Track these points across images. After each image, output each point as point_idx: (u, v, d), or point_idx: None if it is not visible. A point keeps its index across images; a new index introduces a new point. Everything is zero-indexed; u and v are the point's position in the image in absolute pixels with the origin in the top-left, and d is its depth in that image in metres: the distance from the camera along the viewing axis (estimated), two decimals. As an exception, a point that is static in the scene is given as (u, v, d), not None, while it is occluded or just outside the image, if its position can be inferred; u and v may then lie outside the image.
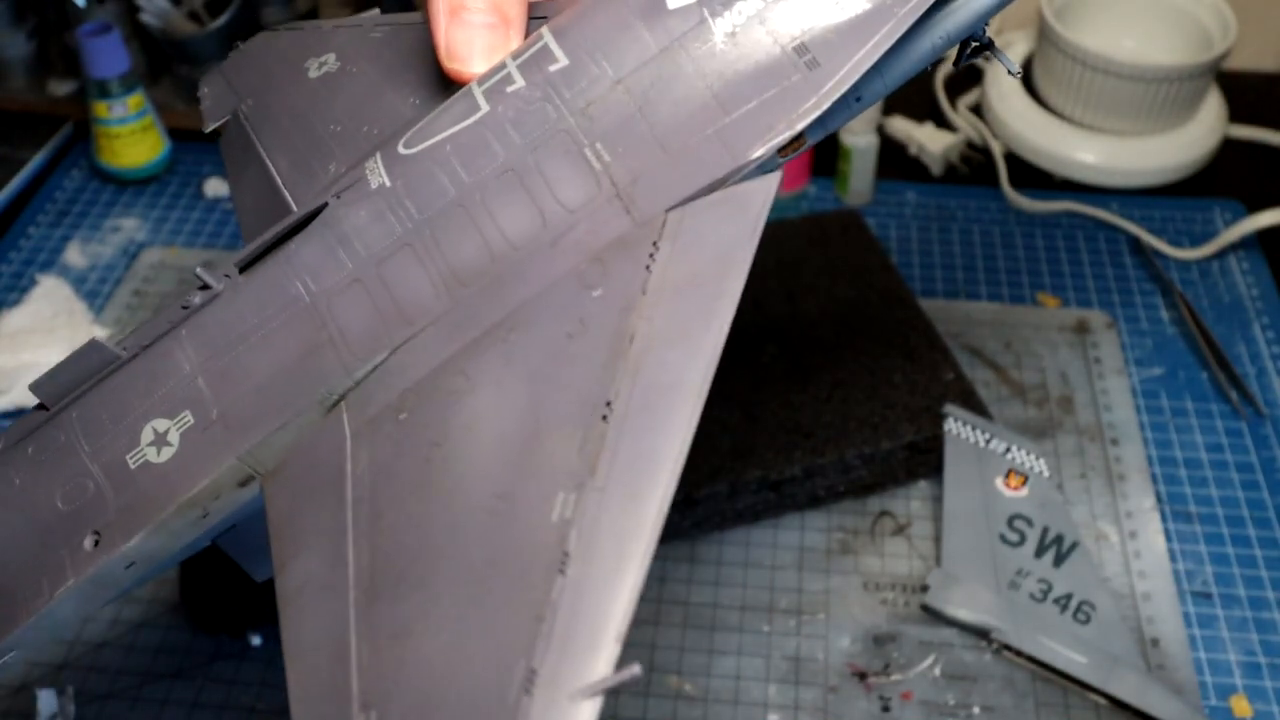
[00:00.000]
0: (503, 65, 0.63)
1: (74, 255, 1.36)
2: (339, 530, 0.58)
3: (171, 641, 0.98)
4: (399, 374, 0.61)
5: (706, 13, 0.60)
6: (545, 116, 0.62)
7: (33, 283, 1.31)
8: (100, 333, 1.25)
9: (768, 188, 0.60)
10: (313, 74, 0.78)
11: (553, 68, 0.62)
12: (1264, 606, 1.02)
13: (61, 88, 1.59)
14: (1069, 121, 1.46)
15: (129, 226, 1.41)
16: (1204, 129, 1.46)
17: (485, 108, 0.62)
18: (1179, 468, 1.13)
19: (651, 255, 0.59)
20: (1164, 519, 1.08)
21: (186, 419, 0.62)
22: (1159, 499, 1.10)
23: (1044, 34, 1.46)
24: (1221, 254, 1.35)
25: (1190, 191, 1.44)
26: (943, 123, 1.52)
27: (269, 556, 0.61)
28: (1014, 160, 1.47)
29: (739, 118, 0.60)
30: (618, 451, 0.53)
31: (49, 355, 1.21)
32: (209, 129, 0.82)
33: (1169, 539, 1.06)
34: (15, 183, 1.46)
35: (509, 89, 0.62)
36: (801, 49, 0.60)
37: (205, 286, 0.64)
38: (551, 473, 0.54)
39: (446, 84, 0.67)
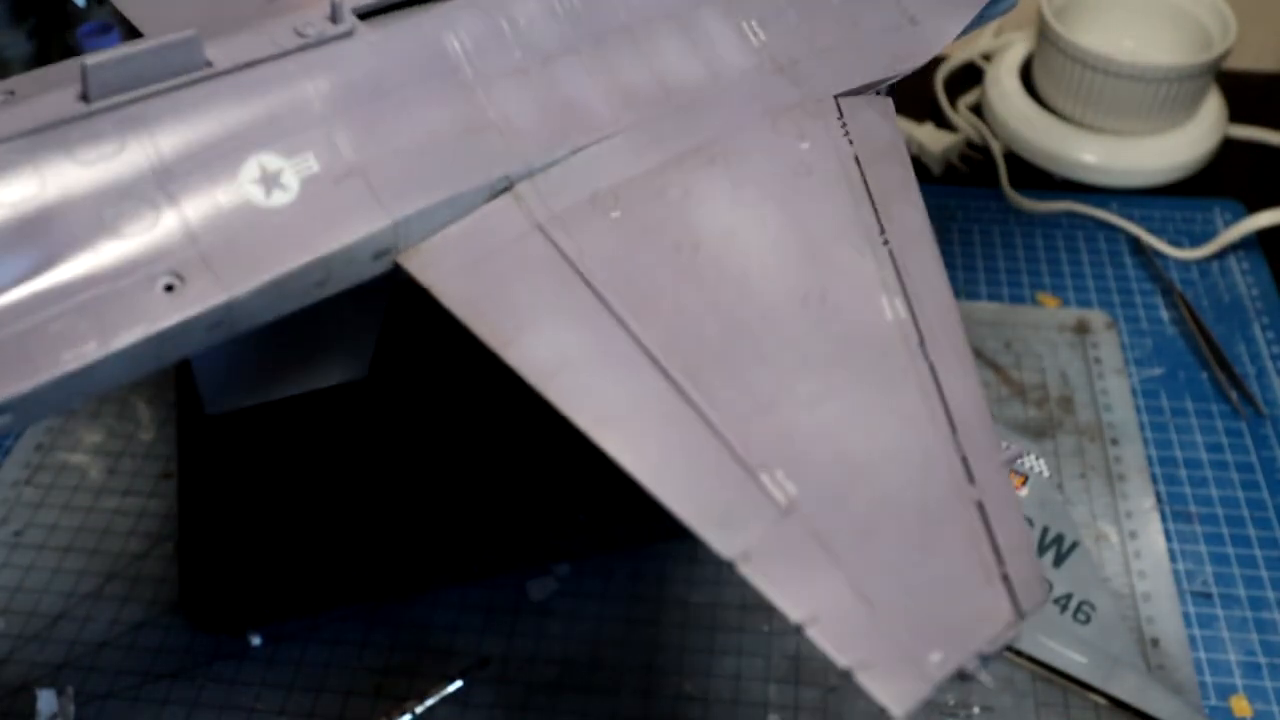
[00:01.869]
0: None
1: (74, 255, 1.36)
2: (591, 309, 0.58)
3: (171, 641, 0.98)
4: (586, 174, 0.62)
5: None
6: None
7: (33, 283, 1.31)
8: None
9: (892, 106, 0.73)
10: None
11: None
12: (1264, 606, 1.01)
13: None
14: (1069, 121, 1.46)
15: (129, 226, 1.40)
16: (1204, 129, 1.46)
17: None
18: (1179, 468, 1.12)
19: (845, 129, 0.69)
20: (1164, 519, 1.08)
21: (309, 163, 0.56)
22: (1159, 499, 1.09)
23: (1044, 34, 1.46)
24: (1222, 254, 1.35)
25: (1190, 191, 1.44)
26: (943, 122, 1.52)
27: (234, 384, 0.59)
28: (1014, 160, 1.47)
29: (866, 39, 0.74)
30: (909, 269, 0.63)
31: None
32: None
33: (1169, 539, 1.06)
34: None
35: None
36: (903, 6, 0.76)
37: (333, 19, 0.58)
38: (861, 279, 0.62)
39: None
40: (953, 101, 1.55)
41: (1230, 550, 1.06)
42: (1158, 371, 1.22)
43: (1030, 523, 1.03)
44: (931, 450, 0.57)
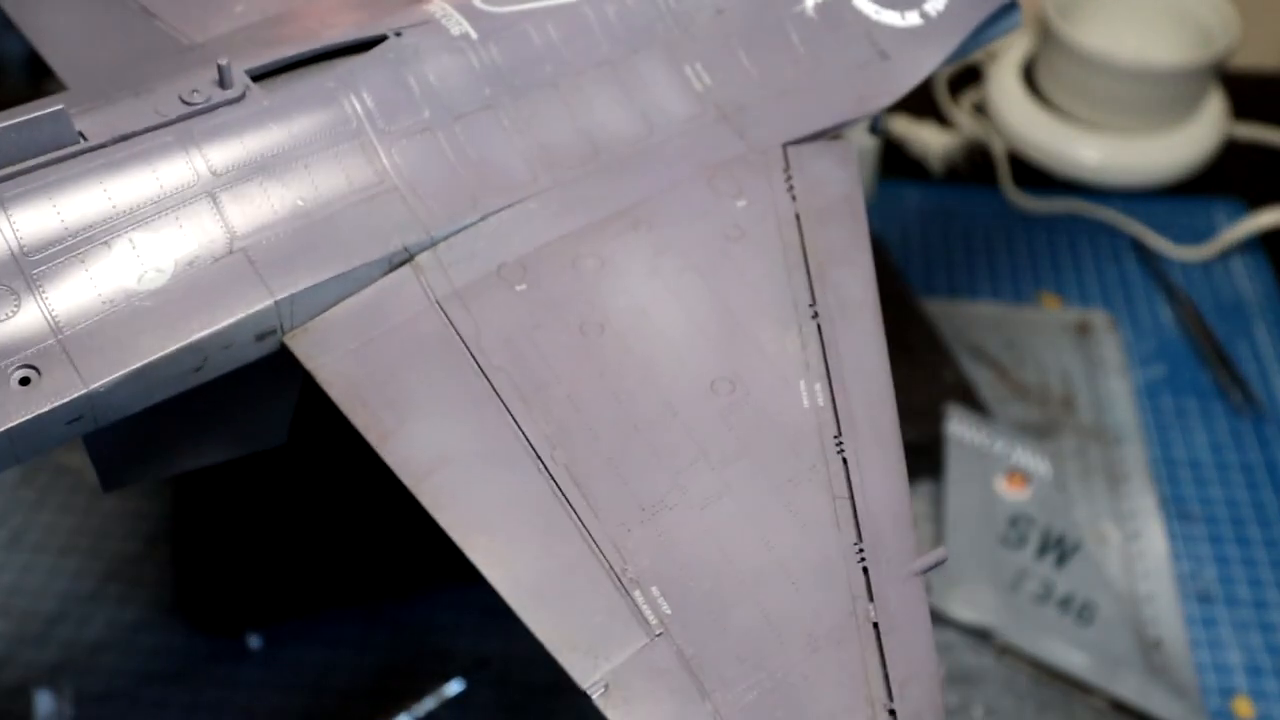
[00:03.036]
0: None
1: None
2: (479, 399, 0.55)
3: (169, 643, 0.97)
4: (495, 243, 0.58)
5: None
6: (647, 21, 0.64)
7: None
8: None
9: (853, 149, 0.68)
10: None
11: None
12: (1266, 607, 1.01)
13: (60, 85, 1.58)
14: (1071, 120, 1.46)
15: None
16: (1206, 128, 1.46)
17: None
18: (1181, 468, 1.12)
19: (789, 182, 0.64)
20: (1166, 519, 1.07)
21: (186, 241, 0.52)
22: (1161, 499, 1.09)
23: (1046, 33, 1.45)
24: (1223, 254, 1.34)
25: (1192, 191, 1.44)
26: (944, 122, 1.52)
27: (130, 462, 0.54)
28: (1016, 159, 1.47)
29: (831, 79, 0.68)
30: (839, 348, 0.58)
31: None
32: None
33: (1171, 539, 1.06)
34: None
35: None
36: (872, 39, 0.71)
37: (221, 83, 0.54)
38: (781, 362, 0.58)
39: None
40: (955, 100, 1.55)
41: (1232, 551, 1.05)
42: (1159, 371, 1.21)
43: (1032, 523, 1.03)
44: (830, 561, 0.53)
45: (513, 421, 0.54)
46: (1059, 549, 1.01)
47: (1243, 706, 0.95)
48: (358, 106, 0.57)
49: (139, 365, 0.51)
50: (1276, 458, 1.13)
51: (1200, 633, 0.99)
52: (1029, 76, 1.52)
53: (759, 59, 0.68)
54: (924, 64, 0.74)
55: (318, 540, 0.95)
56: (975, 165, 1.47)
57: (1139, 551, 1.05)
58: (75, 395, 0.50)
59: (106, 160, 0.52)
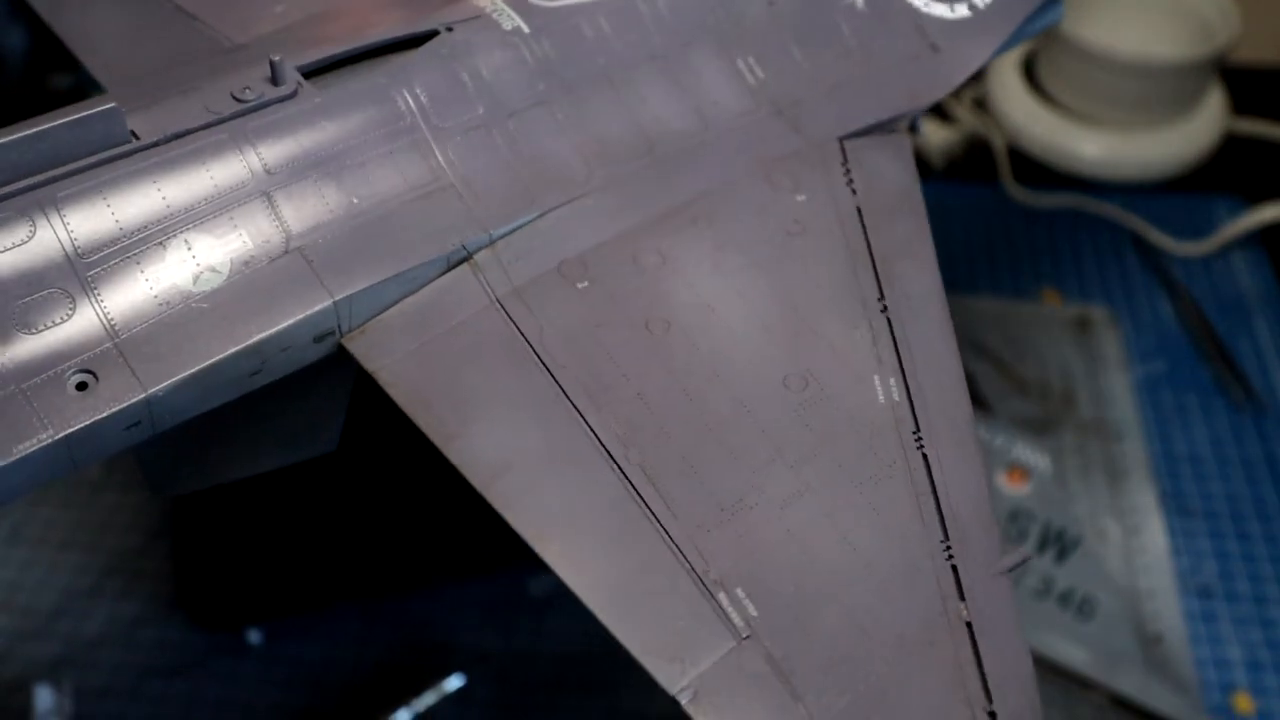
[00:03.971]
0: None
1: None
2: (546, 399, 0.54)
3: (169, 638, 0.97)
4: (554, 240, 0.57)
5: None
6: (699, 13, 0.63)
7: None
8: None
9: (909, 143, 0.67)
10: None
11: None
12: (1267, 602, 1.01)
13: (61, 81, 1.58)
14: (1071, 115, 1.46)
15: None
16: (1206, 122, 1.46)
17: None
18: (1181, 463, 1.12)
19: (848, 176, 0.63)
20: (1166, 514, 1.07)
21: (242, 241, 0.51)
22: (1161, 495, 1.09)
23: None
24: (1224, 249, 1.34)
25: (1192, 186, 1.44)
26: (945, 117, 1.52)
27: (182, 468, 0.53)
28: (1016, 154, 1.47)
29: (883, 74, 0.68)
30: (910, 342, 0.58)
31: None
32: None
33: (1171, 535, 1.06)
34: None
35: None
36: (923, 31, 0.70)
37: (274, 80, 0.52)
38: (853, 357, 0.57)
39: None
40: (955, 95, 1.54)
41: (1233, 546, 1.05)
42: (1160, 366, 1.21)
43: (1032, 518, 1.03)
44: (917, 560, 0.52)
45: (582, 421, 0.54)
46: (1059, 544, 1.01)
47: (1243, 701, 0.95)
48: (411, 103, 0.56)
49: (197, 369, 0.50)
50: (1276, 453, 1.12)
51: (1200, 628, 0.99)
52: (1030, 72, 1.52)
53: (811, 52, 0.67)
54: (974, 57, 0.73)
55: (318, 536, 0.95)
56: (976, 160, 1.47)
57: (1139, 547, 1.05)
58: (133, 400, 0.49)
59: (160, 159, 0.51)
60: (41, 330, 0.47)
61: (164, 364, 0.49)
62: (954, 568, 0.52)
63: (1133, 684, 0.93)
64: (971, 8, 0.73)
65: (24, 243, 0.47)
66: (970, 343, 1.22)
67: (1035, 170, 1.45)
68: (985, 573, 0.52)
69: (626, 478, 0.52)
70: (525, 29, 0.59)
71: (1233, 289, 1.30)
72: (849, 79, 0.68)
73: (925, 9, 0.72)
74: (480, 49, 0.58)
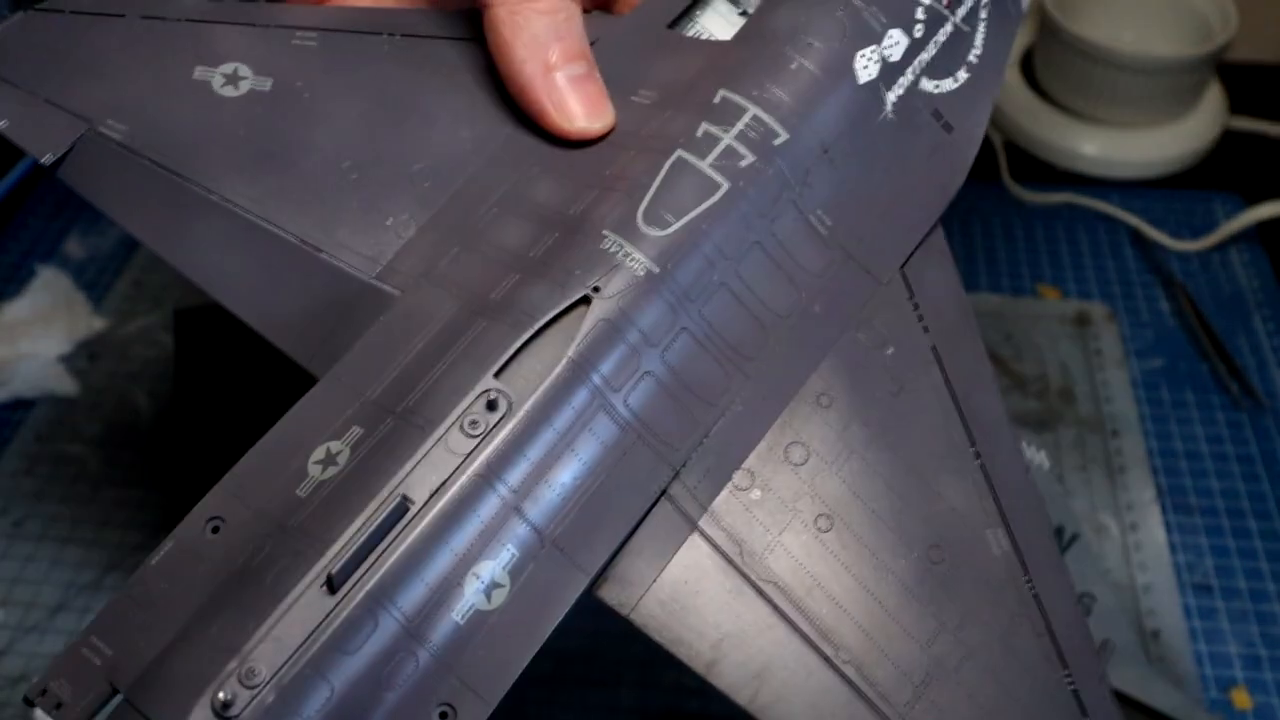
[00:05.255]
0: (714, 137, 0.64)
1: (73, 246, 1.36)
2: (760, 612, 0.60)
3: (171, 633, 0.98)
4: (722, 456, 0.62)
5: (882, 86, 0.68)
6: (774, 189, 0.65)
7: (32, 274, 1.31)
8: (99, 324, 1.24)
9: (942, 237, 0.70)
10: (224, 89, 0.70)
11: (776, 142, 0.65)
12: (1264, 599, 1.01)
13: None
14: (1069, 113, 1.46)
15: (128, 217, 1.40)
16: (1204, 120, 1.46)
17: (725, 184, 0.63)
18: (1179, 459, 1.12)
19: (917, 311, 0.67)
20: (1164, 511, 1.08)
21: (512, 554, 0.57)
22: (1159, 491, 1.09)
23: (1045, 25, 1.45)
24: (1222, 246, 1.34)
25: (1190, 184, 1.44)
26: (943, 114, 1.52)
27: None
28: (1014, 151, 1.47)
29: (918, 177, 0.70)
30: (998, 485, 0.64)
31: (48, 347, 1.21)
32: (49, 159, 0.67)
33: (1169, 531, 1.06)
34: (14, 174, 1.45)
35: (741, 164, 0.64)
36: (938, 114, 0.71)
37: (492, 405, 0.58)
38: (968, 516, 0.63)
39: (485, 113, 0.67)
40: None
41: (1231, 542, 1.06)
42: (1158, 363, 1.22)
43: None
44: (1054, 696, 0.60)
45: (796, 632, 0.60)
46: (1057, 540, 1.02)
47: (1240, 697, 0.95)
48: (597, 381, 0.59)
49: (515, 675, 0.57)
50: (1274, 449, 1.13)
51: (1198, 624, 1.00)
52: (1027, 69, 1.52)
53: (861, 183, 0.68)
54: (980, 123, 0.73)
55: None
56: (975, 158, 1.47)
57: (1137, 543, 1.05)
58: (485, 716, 0.57)
59: (439, 519, 0.56)
60: (400, 686, 0.54)
61: (496, 679, 0.57)
62: (1075, 693, 0.60)
63: (1131, 679, 0.93)
64: (969, 68, 0.73)
65: (371, 634, 0.54)
66: (969, 339, 1.22)
67: (1034, 167, 1.46)
68: (1094, 684, 0.60)
69: (843, 675, 0.59)
70: (655, 269, 0.61)
71: (1231, 286, 1.30)
72: (895, 198, 0.69)
73: (937, 90, 0.71)
74: (633, 309, 0.61)
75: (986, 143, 1.46)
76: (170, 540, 0.56)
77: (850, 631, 0.60)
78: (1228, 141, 1.48)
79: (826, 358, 0.65)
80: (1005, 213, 1.40)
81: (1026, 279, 1.31)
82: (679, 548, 0.61)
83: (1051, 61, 1.46)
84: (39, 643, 0.97)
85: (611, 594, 0.60)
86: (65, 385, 1.18)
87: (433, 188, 0.66)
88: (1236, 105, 1.50)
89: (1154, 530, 1.06)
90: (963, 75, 0.73)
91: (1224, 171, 1.46)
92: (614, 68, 0.67)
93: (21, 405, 1.17)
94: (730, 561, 0.61)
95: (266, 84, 0.69)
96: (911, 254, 0.69)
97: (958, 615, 0.61)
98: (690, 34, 0.71)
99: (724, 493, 0.62)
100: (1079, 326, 1.25)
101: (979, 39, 0.73)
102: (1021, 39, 1.54)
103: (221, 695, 0.51)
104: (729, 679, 0.59)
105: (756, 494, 0.62)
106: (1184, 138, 1.45)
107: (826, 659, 0.60)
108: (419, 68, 0.70)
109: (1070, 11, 1.45)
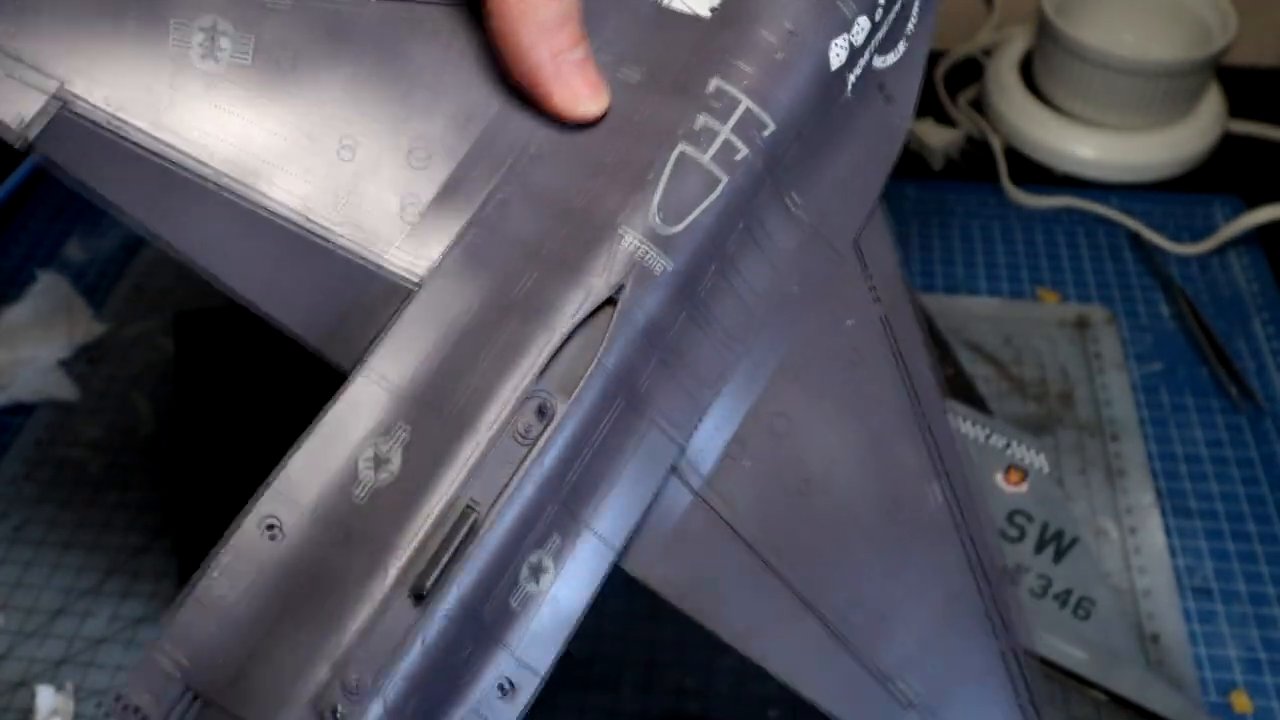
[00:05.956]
0: (713, 130, 0.65)
1: (74, 250, 1.36)
2: (757, 572, 0.64)
3: (171, 637, 0.98)
4: (718, 429, 0.66)
5: (846, 71, 0.70)
6: (760, 177, 0.67)
7: (32, 278, 1.31)
8: (99, 328, 1.24)
9: (881, 215, 0.73)
10: (202, 59, 0.64)
11: (765, 133, 0.66)
12: (1264, 602, 1.02)
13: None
14: (1069, 116, 1.46)
15: (128, 221, 1.40)
16: (1204, 124, 1.46)
17: (724, 179, 0.64)
18: (1179, 463, 1.13)
19: (870, 283, 0.71)
20: (1164, 514, 1.08)
21: (556, 543, 0.61)
22: (1159, 494, 1.09)
23: (1044, 29, 1.46)
24: (1221, 249, 1.35)
25: (1190, 187, 1.44)
26: (943, 117, 1.52)
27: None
28: (1014, 155, 1.47)
29: (867, 150, 0.72)
30: (939, 441, 0.69)
31: (48, 351, 1.21)
32: (24, 139, 0.64)
33: (1169, 534, 1.06)
34: (14, 177, 1.45)
35: (736, 157, 0.65)
36: (882, 87, 0.73)
37: (540, 411, 0.60)
38: (916, 472, 0.68)
39: (482, 93, 0.66)
40: (953, 96, 1.55)
41: (1230, 546, 1.06)
42: (1157, 367, 1.22)
43: (1030, 518, 1.03)
44: (976, 614, 0.66)
45: (789, 588, 0.64)
46: (1057, 544, 1.02)
47: (1240, 701, 0.95)
48: (622, 378, 0.62)
49: (562, 648, 0.61)
50: (1274, 453, 1.13)
51: (1198, 627, 1.00)
52: (1027, 73, 1.52)
53: (824, 161, 0.70)
54: (914, 87, 0.76)
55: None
56: (973, 161, 1.48)
57: (1137, 546, 1.05)
58: (537, 690, 0.60)
59: (500, 519, 0.59)
60: (470, 676, 0.58)
61: (545, 653, 0.61)
62: (1000, 614, 0.66)
63: (1131, 683, 0.93)
64: (907, 38, 0.75)
65: (454, 635, 0.57)
66: (968, 343, 1.22)
67: (1033, 171, 1.46)
68: (1008, 604, 0.66)
69: (829, 626, 0.64)
70: (669, 267, 0.63)
71: (1230, 290, 1.30)
72: (850, 173, 0.72)
73: (883, 65, 0.73)
74: (651, 305, 0.63)
75: (985, 146, 1.47)
76: (228, 551, 0.58)
77: (838, 589, 0.65)
78: (1227, 145, 1.48)
79: (803, 333, 0.68)
80: (1004, 216, 1.40)
81: (1026, 282, 1.31)
82: (682, 514, 0.65)
83: (1050, 65, 1.46)
84: (39, 648, 0.97)
85: (631, 563, 0.64)
86: (65, 390, 1.18)
87: (429, 165, 0.66)
88: (1236, 109, 1.50)
89: (1154, 534, 1.06)
90: (902, 47, 0.75)
91: (1224, 175, 1.46)
92: (592, 35, 0.67)
93: (21, 410, 1.17)
94: (729, 525, 0.65)
95: (247, 43, 0.65)
96: (864, 227, 0.72)
97: (910, 558, 0.66)
98: (664, 3, 0.70)
99: (721, 461, 0.66)
100: (1078, 330, 1.25)
101: (915, 8, 0.76)
102: (1020, 43, 1.54)
103: (329, 702, 0.53)
104: (728, 627, 0.64)
105: (748, 463, 0.66)
106: (1184, 141, 1.45)
107: (807, 604, 0.64)
108: (409, 36, 0.68)
109: (1069, 15, 1.45)
